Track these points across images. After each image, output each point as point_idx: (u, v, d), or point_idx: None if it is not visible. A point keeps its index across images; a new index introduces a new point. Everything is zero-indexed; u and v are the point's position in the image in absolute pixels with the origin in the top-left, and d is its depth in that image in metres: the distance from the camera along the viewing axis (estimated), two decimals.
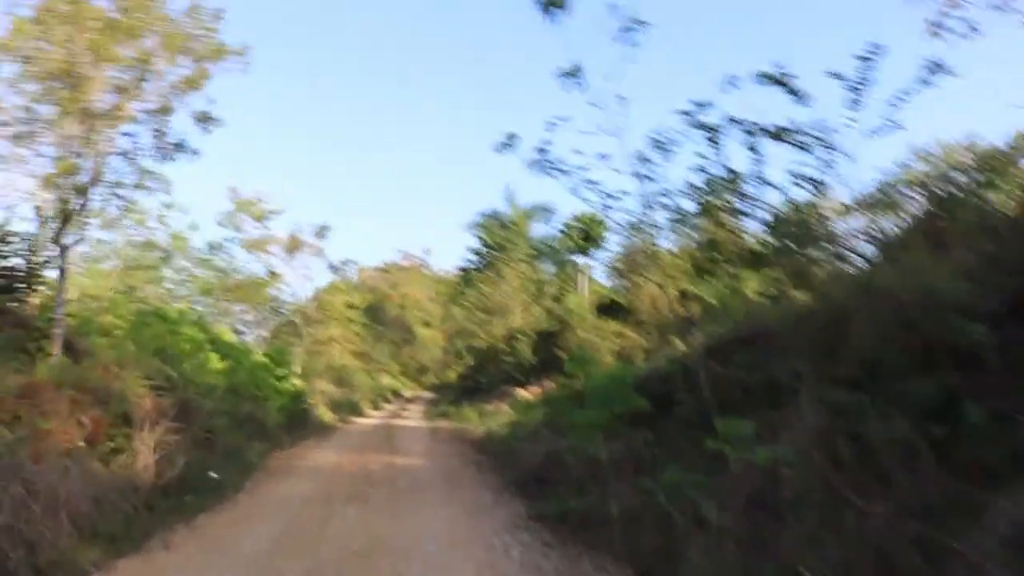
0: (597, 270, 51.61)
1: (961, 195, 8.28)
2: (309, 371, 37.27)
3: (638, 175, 9.10)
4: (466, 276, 43.05)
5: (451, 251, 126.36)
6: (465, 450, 16.06)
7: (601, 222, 51.69)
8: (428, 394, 62.73)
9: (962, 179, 8.54)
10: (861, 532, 5.20)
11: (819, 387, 6.86)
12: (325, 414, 25.58)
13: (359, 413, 33.00)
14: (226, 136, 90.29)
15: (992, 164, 8.67)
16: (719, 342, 9.39)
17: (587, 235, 48.94)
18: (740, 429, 7.29)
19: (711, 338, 9.62)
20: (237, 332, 37.81)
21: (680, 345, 36.64)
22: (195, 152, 12.26)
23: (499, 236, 40.96)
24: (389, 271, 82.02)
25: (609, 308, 42.65)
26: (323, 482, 10.77)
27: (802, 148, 7.66)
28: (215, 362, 17.80)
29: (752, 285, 13.63)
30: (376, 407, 41.62)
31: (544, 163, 9.62)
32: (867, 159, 8.05)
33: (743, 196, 8.30)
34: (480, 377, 42.07)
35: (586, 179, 9.48)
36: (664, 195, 9.03)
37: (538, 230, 45.91)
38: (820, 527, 5.24)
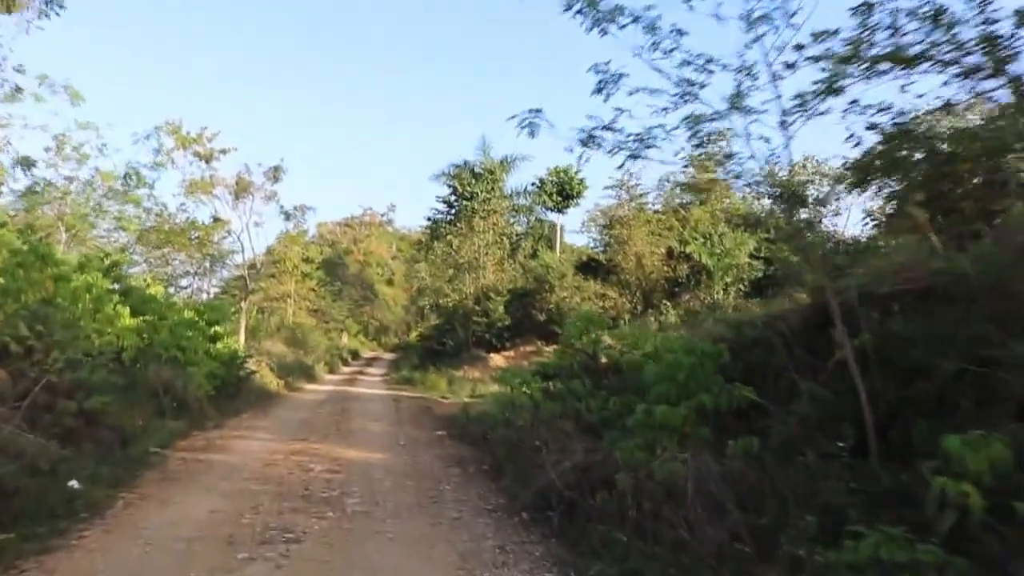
0: (570, 230, 48.32)
1: None
2: (257, 330, 33.54)
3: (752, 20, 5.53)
4: (434, 229, 39.29)
5: (416, 210, 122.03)
6: (440, 436, 12.64)
7: (579, 177, 48.19)
8: (388, 355, 59.21)
9: None
10: None
11: None
12: (271, 380, 21.95)
13: (312, 378, 29.38)
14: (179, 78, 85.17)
15: None
16: (868, 296, 5.95)
17: (562, 190, 45.41)
18: (997, 454, 3.94)
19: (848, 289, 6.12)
20: (170, 284, 33.78)
21: (668, 310, 33.30)
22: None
23: (471, 185, 37.22)
24: (350, 226, 77.71)
25: (588, 267, 39.34)
26: (236, 495, 7.23)
27: None
28: (125, 318, 14.14)
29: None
30: (332, 370, 37.98)
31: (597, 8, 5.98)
32: None
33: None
34: (447, 339, 38.66)
35: (662, 33, 5.86)
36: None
37: (513, 183, 42.46)
38: None
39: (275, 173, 30.43)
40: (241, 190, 29.98)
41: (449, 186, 37.59)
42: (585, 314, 13.33)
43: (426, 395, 24.09)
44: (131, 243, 26.61)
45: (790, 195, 6.82)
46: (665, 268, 36.60)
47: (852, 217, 50.77)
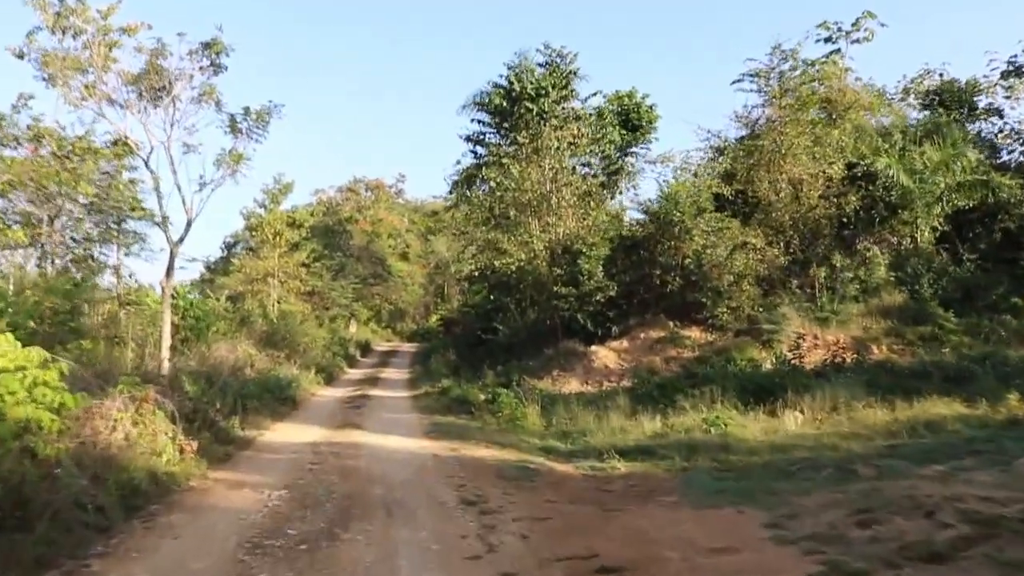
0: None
1: None
2: (204, 331, 20.53)
3: None
4: (477, 154, 25.97)
5: (427, 184, 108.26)
6: None
7: (647, 103, 34.94)
8: (408, 346, 46.16)
9: None
10: None
11: None
12: (163, 451, 9.04)
13: (291, 406, 16.55)
14: None
15: None
16: None
17: (627, 121, 32.29)
18: None
19: None
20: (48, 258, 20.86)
21: (879, 259, 18.39)
22: None
23: (537, 81, 24.00)
24: (353, 190, 64.08)
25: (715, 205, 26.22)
26: None
27: None
28: None
29: None
30: (331, 378, 25.07)
31: None
32: None
33: None
34: (498, 323, 25.72)
35: None
36: None
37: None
38: None
39: (211, 52, 17.31)
40: (152, 82, 16.92)
41: (500, 86, 24.30)
42: None
43: (511, 454, 11.15)
44: None
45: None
46: (833, 201, 23.39)
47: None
